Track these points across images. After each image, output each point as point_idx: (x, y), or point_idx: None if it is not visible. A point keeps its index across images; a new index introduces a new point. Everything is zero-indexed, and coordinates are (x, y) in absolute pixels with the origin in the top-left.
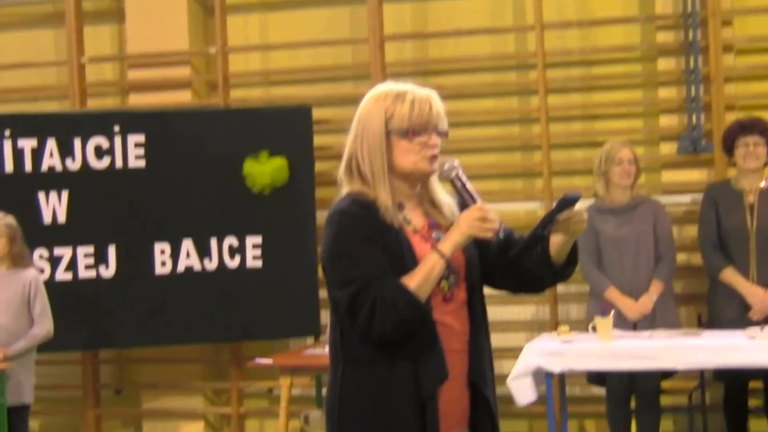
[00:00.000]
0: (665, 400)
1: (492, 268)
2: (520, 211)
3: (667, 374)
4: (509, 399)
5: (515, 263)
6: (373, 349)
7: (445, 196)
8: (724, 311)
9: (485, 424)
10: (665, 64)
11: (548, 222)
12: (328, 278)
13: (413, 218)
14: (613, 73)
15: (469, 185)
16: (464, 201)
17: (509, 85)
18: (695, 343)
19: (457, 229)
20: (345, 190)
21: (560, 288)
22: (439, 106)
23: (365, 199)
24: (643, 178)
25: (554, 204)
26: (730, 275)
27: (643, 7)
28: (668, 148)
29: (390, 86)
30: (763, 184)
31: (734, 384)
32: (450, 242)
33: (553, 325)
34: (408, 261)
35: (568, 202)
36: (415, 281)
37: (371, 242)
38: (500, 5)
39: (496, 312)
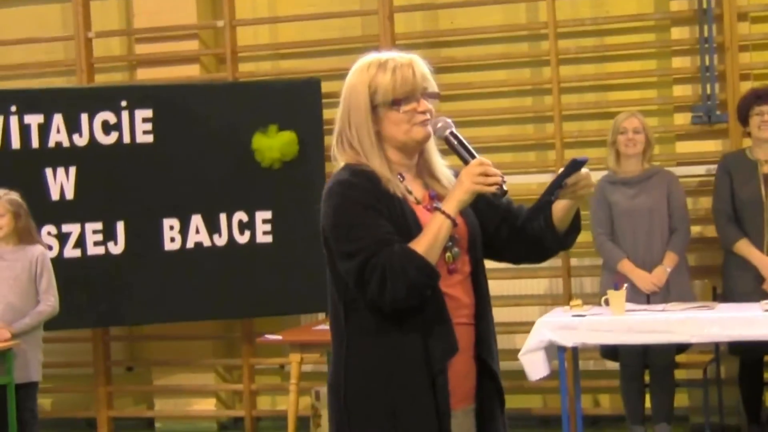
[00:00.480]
0: (680, 374)
1: (493, 239)
2: (533, 183)
3: (682, 348)
4: (521, 374)
5: (519, 232)
6: (380, 323)
7: (444, 168)
8: (738, 284)
9: (492, 398)
10: (679, 32)
11: (556, 187)
12: (333, 251)
13: (413, 189)
14: (626, 42)
15: (466, 141)
16: (462, 158)
17: (521, 56)
18: (709, 315)
19: (459, 186)
20: (341, 162)
21: (573, 261)
22: (422, 68)
23: (365, 169)
24: (657, 149)
25: (561, 169)
26: (744, 247)
27: None
28: (682, 119)
29: (372, 57)
30: None
31: (749, 357)
32: (454, 201)
33: (566, 298)
34: (414, 231)
35: (576, 165)
36: (422, 245)
37: (375, 211)
38: None
39: (508, 286)
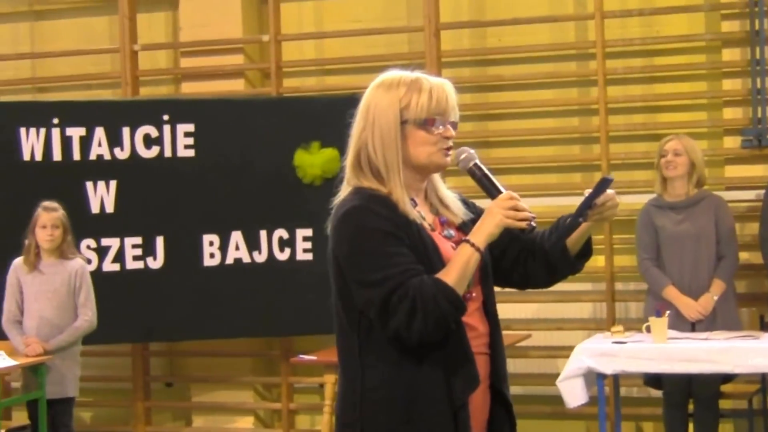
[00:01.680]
0: (724, 404)
1: (500, 260)
2: (568, 205)
3: (728, 378)
4: (561, 400)
5: (536, 253)
6: (399, 356)
7: (449, 191)
8: None
9: (504, 427)
10: (730, 54)
11: (586, 208)
12: (350, 278)
13: (424, 214)
14: (676, 63)
15: (490, 173)
16: (487, 190)
17: (568, 76)
18: (754, 345)
19: (490, 219)
20: (352, 184)
21: (618, 285)
22: (454, 96)
23: (380, 194)
24: (705, 173)
25: (588, 190)
26: None
27: None
28: (732, 142)
29: (399, 74)
30: None
31: None
32: (484, 234)
33: (610, 323)
34: (434, 258)
35: (604, 184)
36: (451, 276)
37: (396, 238)
38: None
39: (550, 309)
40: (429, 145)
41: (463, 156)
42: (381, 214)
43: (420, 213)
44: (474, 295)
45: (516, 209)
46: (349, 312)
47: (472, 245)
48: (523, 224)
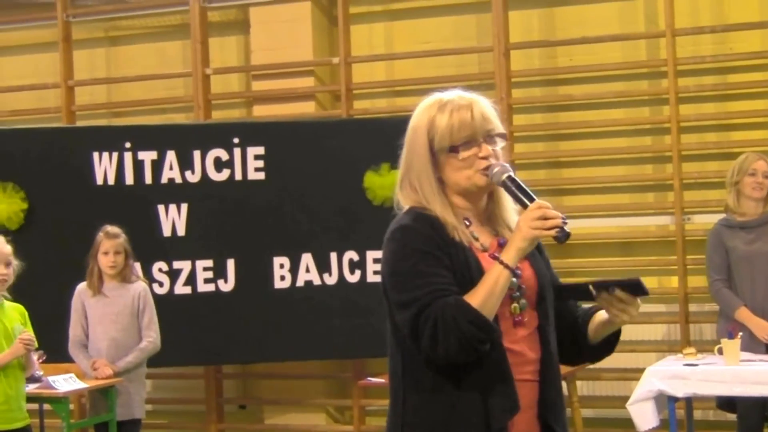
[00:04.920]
0: None
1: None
2: (651, 225)
3: None
4: (632, 423)
5: (559, 317)
6: (437, 379)
7: (515, 213)
8: None
9: None
10: None
11: (604, 286)
12: (389, 299)
13: (480, 236)
14: (750, 80)
15: (524, 185)
16: (521, 203)
17: (640, 94)
18: None
19: (518, 233)
20: (404, 204)
21: (692, 307)
22: (483, 109)
23: (429, 214)
24: None
25: (621, 278)
26: None
27: None
28: None
29: (435, 97)
30: None
31: None
32: (513, 249)
33: (683, 345)
34: (477, 281)
35: (636, 287)
36: (478, 297)
37: (435, 259)
38: (630, 11)
39: (623, 331)
40: (464, 170)
41: (495, 170)
42: (423, 233)
43: (472, 233)
44: (526, 319)
45: (545, 217)
46: (396, 332)
47: (502, 263)
48: (552, 232)
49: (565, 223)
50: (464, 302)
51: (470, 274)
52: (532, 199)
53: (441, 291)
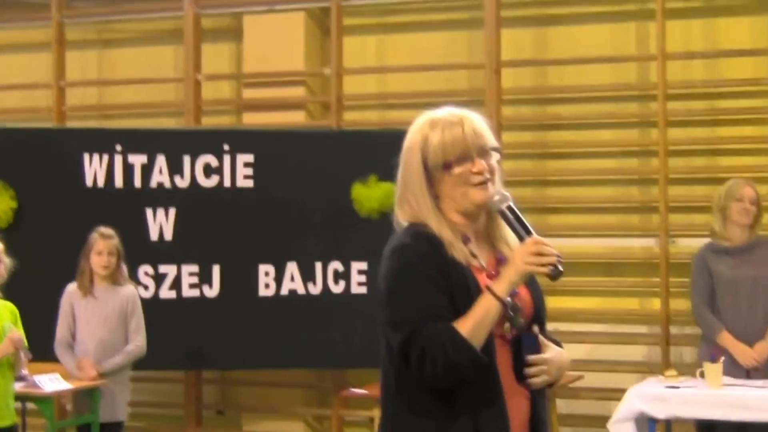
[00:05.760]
0: None
1: None
2: (636, 247)
3: None
4: None
5: None
6: (429, 397)
7: (506, 230)
8: None
9: None
10: None
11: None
12: (383, 316)
13: (479, 253)
14: (739, 107)
15: (523, 217)
16: (518, 234)
17: (628, 116)
18: None
19: (511, 266)
20: (402, 221)
21: (673, 329)
22: (475, 124)
23: (428, 232)
24: (765, 218)
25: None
26: None
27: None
28: None
29: (427, 115)
30: None
31: None
32: (505, 281)
33: (663, 367)
34: (475, 299)
35: (527, 342)
36: (467, 325)
37: (431, 281)
38: (622, 34)
39: (604, 351)
40: (459, 186)
41: (496, 198)
42: (421, 253)
43: (470, 251)
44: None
45: (540, 254)
46: (389, 349)
47: (493, 294)
48: (545, 270)
49: (560, 262)
50: (452, 329)
51: (468, 293)
52: (529, 232)
53: (433, 315)
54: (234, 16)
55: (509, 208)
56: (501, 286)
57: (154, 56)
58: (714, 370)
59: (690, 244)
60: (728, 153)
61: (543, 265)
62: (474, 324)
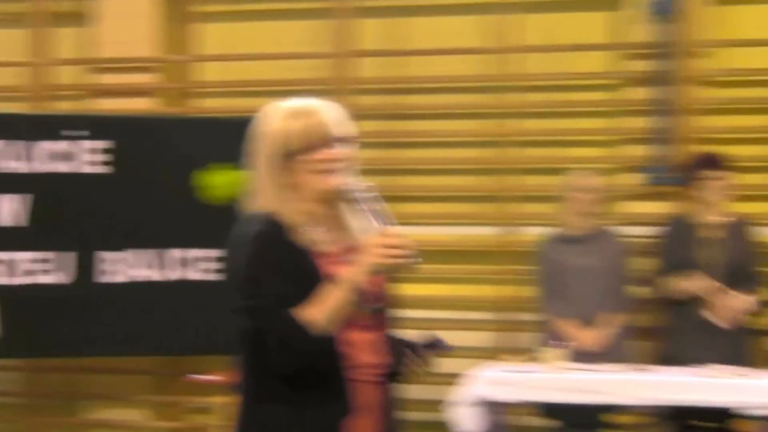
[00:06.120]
0: None
1: None
2: (483, 235)
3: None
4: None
5: None
6: (281, 383)
7: (358, 218)
8: (682, 347)
9: None
10: (633, 93)
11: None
12: (238, 304)
13: (331, 240)
14: (579, 99)
15: (379, 206)
16: (373, 224)
17: (471, 108)
18: (642, 378)
19: (363, 256)
20: (257, 209)
21: (514, 315)
22: (331, 113)
23: (280, 220)
24: (605, 208)
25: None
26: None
27: (614, 34)
28: (632, 179)
29: (284, 103)
30: (724, 218)
31: (682, 422)
32: (357, 271)
33: (504, 352)
34: (317, 286)
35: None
36: (318, 313)
37: (283, 268)
38: (481, 25)
39: (451, 337)
40: (314, 174)
41: (351, 186)
42: (273, 241)
43: (322, 238)
44: (371, 324)
45: (392, 246)
46: (243, 335)
47: (344, 282)
48: (394, 263)
49: (413, 257)
50: (300, 316)
51: (318, 280)
52: (386, 223)
53: (285, 302)
54: (83, 0)
55: (366, 196)
56: (353, 274)
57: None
58: (554, 354)
59: (535, 233)
60: (567, 144)
61: (392, 258)
62: (326, 311)
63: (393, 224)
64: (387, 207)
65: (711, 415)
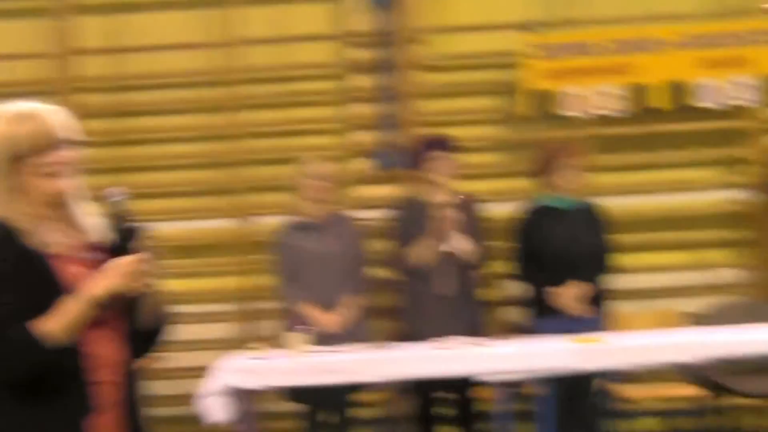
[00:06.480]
0: (364, 413)
1: None
2: (215, 228)
3: (367, 387)
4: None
5: None
6: (17, 387)
7: (92, 217)
8: (420, 324)
9: None
10: (358, 80)
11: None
12: None
13: (62, 242)
14: (306, 89)
15: (136, 225)
16: (122, 241)
17: (200, 102)
18: (386, 355)
19: (103, 277)
20: None
21: (254, 305)
22: (54, 116)
23: (5, 224)
24: (339, 194)
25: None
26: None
27: (337, 25)
28: (361, 164)
29: (9, 107)
30: (452, 198)
31: (425, 395)
32: (94, 290)
33: (248, 341)
34: (58, 287)
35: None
36: (54, 324)
37: (7, 280)
38: (200, 20)
39: (185, 331)
40: (39, 177)
41: (110, 196)
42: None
43: (52, 240)
44: (107, 320)
45: (131, 275)
46: None
47: (81, 297)
48: (136, 290)
49: (153, 286)
50: (30, 330)
51: (49, 282)
52: (132, 238)
53: (12, 315)
54: None
55: (121, 210)
56: (91, 290)
57: None
58: (296, 339)
59: (269, 222)
60: (297, 134)
61: (131, 285)
62: (61, 323)
63: (139, 233)
64: (133, 207)
65: (452, 385)
